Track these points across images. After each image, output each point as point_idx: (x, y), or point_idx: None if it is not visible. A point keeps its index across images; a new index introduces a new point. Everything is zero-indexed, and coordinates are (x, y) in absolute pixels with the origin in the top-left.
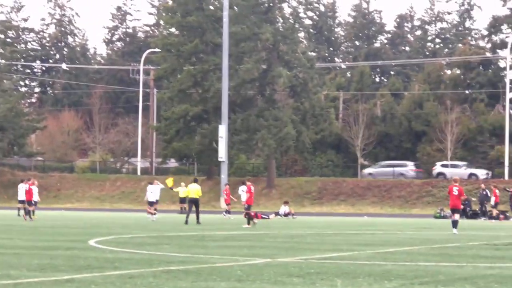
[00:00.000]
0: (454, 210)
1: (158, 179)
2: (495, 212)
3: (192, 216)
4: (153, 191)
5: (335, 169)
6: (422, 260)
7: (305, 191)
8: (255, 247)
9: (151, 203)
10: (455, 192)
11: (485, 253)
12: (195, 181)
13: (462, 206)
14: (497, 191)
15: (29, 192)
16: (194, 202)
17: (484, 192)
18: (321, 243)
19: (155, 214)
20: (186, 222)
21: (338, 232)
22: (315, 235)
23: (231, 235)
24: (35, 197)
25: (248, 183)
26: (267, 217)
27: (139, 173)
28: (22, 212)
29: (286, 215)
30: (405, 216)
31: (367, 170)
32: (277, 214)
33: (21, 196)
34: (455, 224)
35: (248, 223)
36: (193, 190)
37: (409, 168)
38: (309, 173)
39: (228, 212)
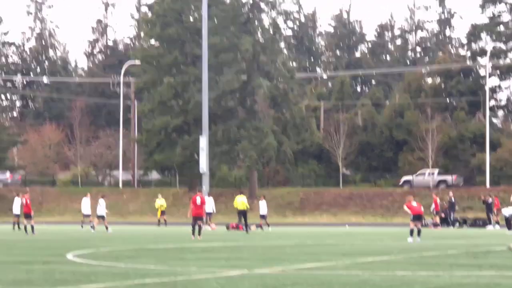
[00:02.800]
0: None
1: (140, 192)
2: (436, 219)
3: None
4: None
5: (317, 179)
6: (399, 269)
7: (287, 201)
8: (232, 258)
9: (101, 217)
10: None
11: (462, 261)
12: (241, 193)
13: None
14: (437, 199)
15: (26, 205)
16: (242, 213)
17: (453, 200)
18: (300, 253)
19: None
20: (247, 231)
21: (318, 243)
22: (295, 246)
23: (210, 247)
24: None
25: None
26: (250, 229)
27: (121, 185)
28: (19, 225)
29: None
30: (386, 225)
31: None
32: (258, 226)
33: (16, 210)
34: (418, 232)
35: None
36: (240, 202)
37: (7, 176)
38: (291, 184)
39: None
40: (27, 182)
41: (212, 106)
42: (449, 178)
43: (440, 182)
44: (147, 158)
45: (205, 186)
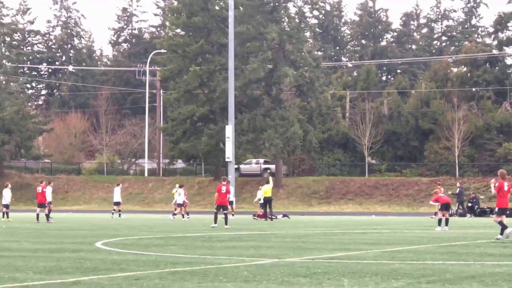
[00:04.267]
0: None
1: (165, 180)
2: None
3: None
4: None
5: (343, 168)
6: (429, 259)
7: (313, 190)
8: (261, 247)
9: (180, 205)
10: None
11: (492, 251)
12: (267, 182)
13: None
14: (442, 189)
15: (41, 194)
16: (267, 200)
17: (458, 191)
18: (328, 242)
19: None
20: (271, 219)
21: (345, 231)
22: (323, 235)
23: (238, 235)
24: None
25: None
26: (274, 217)
27: (146, 174)
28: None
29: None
30: (413, 214)
31: None
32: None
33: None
34: (446, 221)
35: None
36: (266, 190)
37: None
38: (316, 173)
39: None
40: (53, 170)
41: (237, 95)
42: (273, 166)
43: (265, 170)
44: (172, 147)
45: (231, 175)
